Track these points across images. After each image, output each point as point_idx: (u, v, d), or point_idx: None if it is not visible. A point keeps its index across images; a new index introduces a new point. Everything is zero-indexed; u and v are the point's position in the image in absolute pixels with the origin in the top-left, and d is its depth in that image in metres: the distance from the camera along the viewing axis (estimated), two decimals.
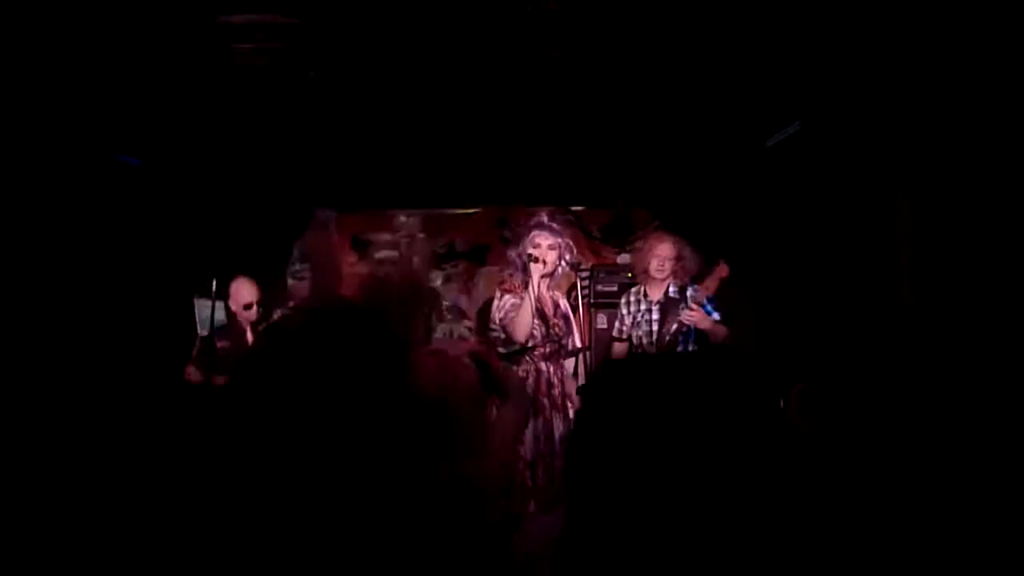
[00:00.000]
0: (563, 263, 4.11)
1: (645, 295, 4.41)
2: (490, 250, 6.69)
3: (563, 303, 4.25)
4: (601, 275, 5.81)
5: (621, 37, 3.68)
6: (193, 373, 4.23)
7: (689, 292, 4.26)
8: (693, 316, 4.11)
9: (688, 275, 4.33)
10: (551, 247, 4.01)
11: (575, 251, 4.29)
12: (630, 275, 5.68)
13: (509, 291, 4.08)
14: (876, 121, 3.98)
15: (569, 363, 4.40)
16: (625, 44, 3.77)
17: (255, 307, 4.26)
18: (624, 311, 4.51)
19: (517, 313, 3.91)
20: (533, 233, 4.07)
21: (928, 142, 3.66)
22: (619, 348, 4.55)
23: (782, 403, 2.44)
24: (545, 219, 4.21)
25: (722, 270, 4.11)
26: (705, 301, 4.25)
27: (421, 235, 4.11)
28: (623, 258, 6.57)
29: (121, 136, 4.93)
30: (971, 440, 2.92)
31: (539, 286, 3.95)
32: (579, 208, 6.61)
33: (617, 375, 1.25)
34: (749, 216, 5.10)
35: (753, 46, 3.85)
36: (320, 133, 4.84)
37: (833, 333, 4.00)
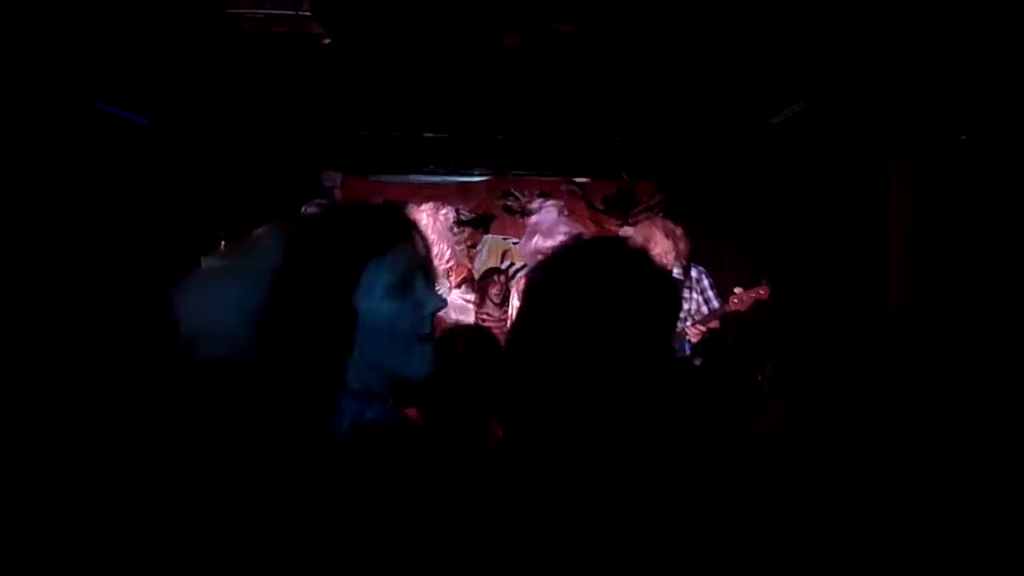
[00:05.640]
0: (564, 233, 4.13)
1: None
2: (494, 219, 6.76)
3: None
4: None
5: (632, 11, 3.72)
6: None
7: (693, 274, 4.29)
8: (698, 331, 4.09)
9: (686, 257, 4.33)
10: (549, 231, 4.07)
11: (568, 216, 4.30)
12: None
13: None
14: (878, 103, 4.02)
15: None
16: (635, 19, 3.80)
17: None
18: None
19: None
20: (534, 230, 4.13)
21: (928, 124, 3.71)
22: None
23: (759, 378, 2.53)
24: (537, 207, 4.24)
25: (763, 292, 3.98)
26: (707, 285, 4.27)
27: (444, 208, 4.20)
28: (626, 231, 6.63)
29: (131, 95, 4.98)
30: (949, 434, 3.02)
31: None
32: (583, 179, 6.67)
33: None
34: (751, 192, 5.16)
35: (760, 25, 3.89)
36: (329, 98, 4.89)
37: (822, 313, 4.09)
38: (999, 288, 3.33)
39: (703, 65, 4.44)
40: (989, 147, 3.63)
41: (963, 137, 3.85)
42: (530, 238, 4.41)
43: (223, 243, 4.12)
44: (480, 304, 4.87)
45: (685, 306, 4.29)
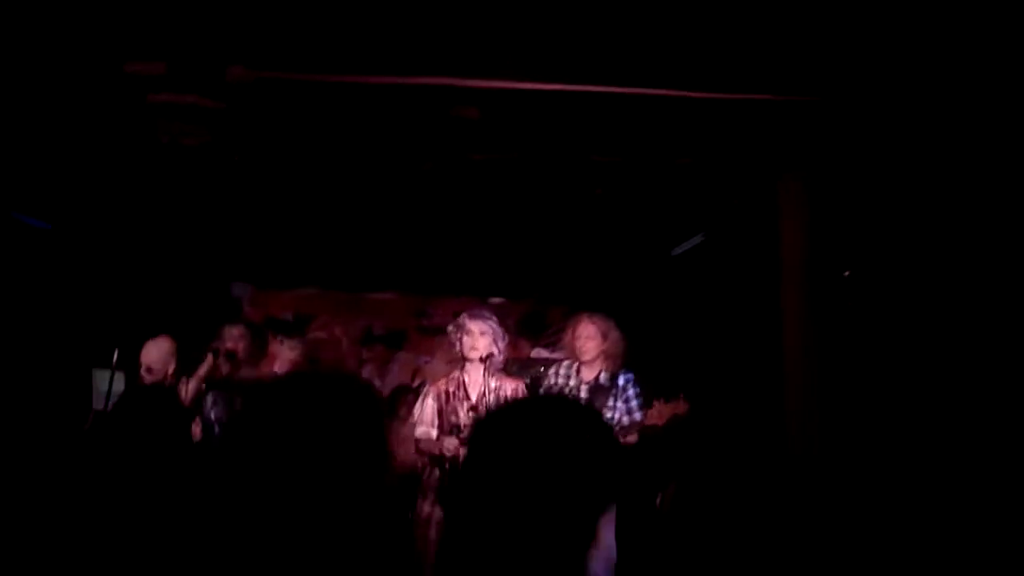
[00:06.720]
0: (496, 348, 4.03)
1: (578, 371, 4.35)
2: (406, 337, 6.75)
3: (505, 389, 3.96)
4: (515, 368, 5.90)
5: (543, 147, 3.92)
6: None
7: (620, 381, 4.23)
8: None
9: (617, 362, 4.28)
10: (482, 333, 4.00)
11: (505, 336, 4.20)
12: (543, 368, 5.78)
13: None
14: (771, 237, 4.31)
15: None
16: (546, 155, 4.00)
17: (168, 374, 4.01)
18: (553, 380, 4.39)
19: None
20: (465, 320, 4.05)
21: (814, 258, 3.99)
22: None
23: (659, 499, 2.55)
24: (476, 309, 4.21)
25: (680, 407, 3.92)
26: (632, 395, 4.19)
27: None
28: (537, 352, 6.71)
29: (35, 200, 4.87)
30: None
31: (470, 372, 3.96)
32: (497, 300, 6.77)
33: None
34: (654, 317, 5.35)
35: (662, 164, 4.16)
36: (241, 213, 4.89)
37: (717, 435, 4.18)
38: (891, 406, 3.50)
39: (610, 198, 4.68)
40: (871, 281, 3.91)
41: (846, 273, 4.14)
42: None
43: (116, 356, 3.90)
44: (388, 421, 4.75)
45: (607, 415, 4.17)
